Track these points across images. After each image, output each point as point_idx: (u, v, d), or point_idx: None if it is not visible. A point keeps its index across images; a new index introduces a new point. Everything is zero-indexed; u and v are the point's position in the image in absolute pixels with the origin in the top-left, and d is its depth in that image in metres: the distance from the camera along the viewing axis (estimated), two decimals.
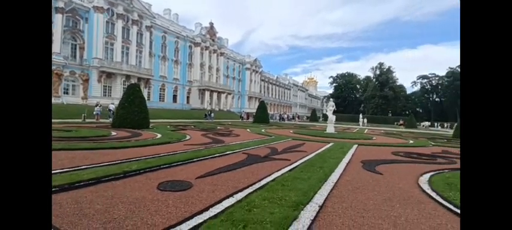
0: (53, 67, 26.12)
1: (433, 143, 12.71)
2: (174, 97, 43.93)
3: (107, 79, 32.14)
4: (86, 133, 9.50)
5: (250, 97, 61.55)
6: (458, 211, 3.05)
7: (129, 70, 33.25)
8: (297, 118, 50.36)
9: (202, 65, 47.70)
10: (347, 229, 2.48)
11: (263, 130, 15.86)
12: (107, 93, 32.25)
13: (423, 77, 78.67)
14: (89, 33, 30.69)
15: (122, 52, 33.94)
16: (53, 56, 25.48)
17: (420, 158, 7.27)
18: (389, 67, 74.45)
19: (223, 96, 50.85)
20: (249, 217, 2.53)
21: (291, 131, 16.62)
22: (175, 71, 43.71)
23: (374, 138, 14.85)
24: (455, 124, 24.49)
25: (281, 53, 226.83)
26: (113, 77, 32.42)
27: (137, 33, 35.66)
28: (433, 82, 77.77)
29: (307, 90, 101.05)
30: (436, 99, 79.25)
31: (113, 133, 10.27)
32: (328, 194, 3.51)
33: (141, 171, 4.20)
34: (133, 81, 30.45)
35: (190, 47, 46.16)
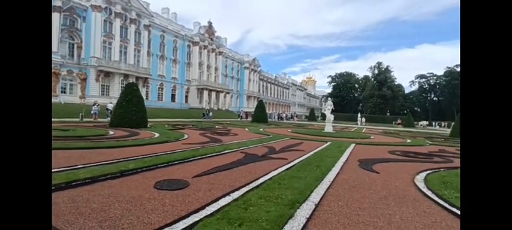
0: None
1: (430, 142, 12.78)
2: (173, 97, 43.84)
3: (104, 78, 32.02)
4: (83, 132, 9.47)
5: (249, 97, 61.54)
6: (453, 209, 3.08)
7: (127, 69, 33.14)
8: (295, 118, 50.38)
9: (200, 64, 47.61)
10: (342, 227, 2.50)
11: (261, 130, 15.88)
12: (104, 92, 32.13)
13: (421, 76, 78.93)
14: (87, 32, 30.54)
15: (120, 51, 33.80)
16: None
17: (417, 157, 7.31)
18: (387, 66, 74.64)
19: (221, 95, 50.80)
20: (245, 216, 2.55)
21: (289, 130, 16.65)
22: (173, 70, 43.60)
23: (372, 137, 14.90)
24: (453, 123, 24.61)
25: (280, 52, 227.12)
26: (110, 76, 32.30)
27: (135, 32, 35.54)
28: (431, 81, 78.04)
29: (305, 89, 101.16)
30: (434, 99, 79.55)
31: (111, 132, 10.25)
32: (325, 192, 3.53)
33: (138, 170, 4.21)
34: (131, 80, 30.38)
35: (188, 46, 46.06)
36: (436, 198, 3.51)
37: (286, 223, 2.48)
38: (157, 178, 3.85)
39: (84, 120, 17.57)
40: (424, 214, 2.96)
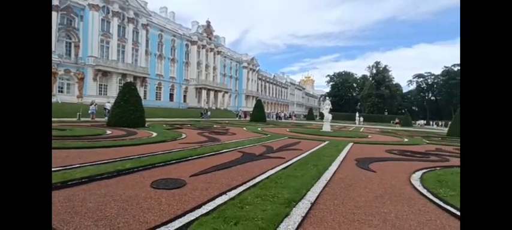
0: None
1: (427, 141, 12.84)
2: (171, 96, 43.76)
3: (102, 77, 31.91)
4: (80, 132, 9.44)
5: (247, 96, 61.55)
6: (448, 207, 3.11)
7: (125, 68, 33.04)
8: (293, 117, 50.44)
9: (199, 64, 47.54)
10: (337, 225, 2.52)
11: (259, 129, 15.89)
12: (102, 92, 32.03)
13: (419, 76, 79.27)
14: (84, 31, 30.40)
15: (118, 50, 33.70)
16: None
17: (413, 156, 7.35)
18: (385, 66, 74.85)
19: (220, 94, 50.78)
20: (241, 214, 2.56)
21: (288, 130, 16.67)
22: (171, 70, 43.51)
23: (369, 136, 14.95)
24: (450, 122, 24.76)
25: (279, 51, 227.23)
26: (108, 76, 32.20)
27: (133, 31, 35.42)
28: (429, 81, 78.42)
29: (304, 88, 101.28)
30: (432, 98, 79.94)
31: (108, 132, 10.22)
32: (321, 191, 3.55)
33: (135, 170, 4.20)
34: (129, 79, 30.31)
35: (187, 45, 45.96)
36: (431, 196, 3.54)
37: (281, 222, 2.49)
38: (154, 177, 3.85)
39: (82, 119, 17.51)
40: (419, 212, 2.98)
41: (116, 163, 4.56)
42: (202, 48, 48.19)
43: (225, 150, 6.75)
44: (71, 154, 5.25)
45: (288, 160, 5.68)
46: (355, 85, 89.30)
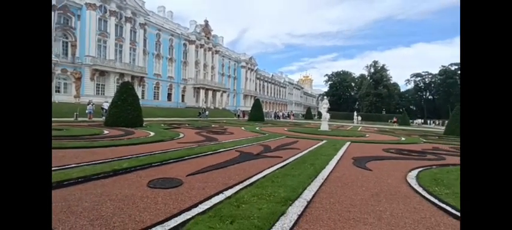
0: None
1: (424, 140, 12.91)
2: (169, 96, 43.66)
3: (100, 77, 31.76)
4: (77, 132, 9.40)
5: (245, 96, 61.54)
6: (443, 205, 3.14)
7: (122, 68, 32.91)
8: (292, 116, 50.48)
9: (197, 63, 47.45)
10: (333, 223, 2.54)
11: (257, 128, 15.89)
12: (100, 92, 31.88)
13: (417, 75, 79.69)
14: (81, 31, 30.23)
15: (115, 50, 33.55)
16: None
17: (410, 154, 7.39)
18: (383, 65, 75.18)
19: (218, 94, 50.72)
20: (237, 213, 2.57)
21: (286, 129, 16.70)
22: (169, 69, 43.40)
23: (367, 135, 15.01)
24: (447, 121, 24.91)
25: (277, 51, 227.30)
26: (106, 75, 32.06)
27: (131, 30, 35.27)
28: (426, 80, 78.86)
29: (302, 88, 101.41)
30: (429, 97, 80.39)
31: (105, 131, 10.18)
32: (317, 190, 3.56)
33: (132, 169, 4.19)
34: (127, 79, 30.21)
35: (185, 44, 45.85)
36: (426, 194, 3.56)
37: (277, 220, 2.50)
38: (151, 176, 3.85)
39: (79, 119, 17.42)
40: (414, 210, 3.01)
41: (112, 163, 4.55)
42: (201, 48, 48.10)
43: (222, 149, 6.75)
44: (68, 154, 5.23)
45: (285, 159, 5.70)
46: (353, 84, 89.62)
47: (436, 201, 3.28)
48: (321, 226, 2.47)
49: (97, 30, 31.24)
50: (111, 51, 32.81)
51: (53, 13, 27.42)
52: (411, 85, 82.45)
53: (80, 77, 30.26)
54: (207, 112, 31.94)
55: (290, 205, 2.90)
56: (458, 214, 2.88)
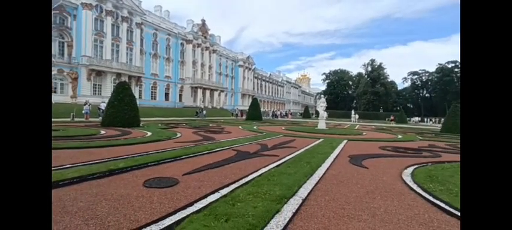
0: None
1: (420, 137, 13.00)
2: (166, 95, 43.50)
3: (96, 77, 31.56)
4: (73, 132, 9.36)
5: (243, 95, 61.46)
6: (437, 201, 3.17)
7: (119, 68, 32.73)
8: (289, 115, 50.52)
9: (194, 63, 47.31)
10: (327, 221, 2.56)
11: (255, 127, 15.91)
12: (96, 92, 31.69)
13: (413, 73, 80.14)
14: (77, 31, 30.00)
15: (112, 50, 33.35)
16: None
17: (406, 152, 7.45)
18: (380, 63, 75.49)
19: (216, 93, 50.62)
20: (232, 211, 2.58)
21: (283, 128, 16.73)
22: (167, 69, 43.23)
23: (364, 133, 15.08)
24: (443, 119, 25.11)
25: (274, 50, 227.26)
26: (102, 75, 31.86)
27: (127, 30, 35.06)
28: (423, 78, 79.33)
29: (300, 86, 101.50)
30: (426, 95, 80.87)
31: (102, 132, 10.14)
32: (313, 188, 3.58)
33: (128, 169, 4.19)
34: (124, 79, 30.04)
35: (182, 44, 45.69)
36: (421, 191, 3.60)
37: (272, 218, 2.51)
38: (147, 176, 3.85)
39: (76, 120, 17.32)
40: (408, 206, 3.04)
41: (108, 163, 4.54)
42: (198, 47, 47.96)
43: (219, 149, 6.76)
44: (63, 155, 5.21)
45: (282, 158, 5.72)
46: (350, 83, 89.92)
47: (430, 198, 3.32)
48: (315, 223, 2.49)
49: (93, 30, 31.02)
50: (107, 51, 32.61)
51: None
52: (408, 84, 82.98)
53: (76, 77, 30.05)
54: (204, 112, 31.88)
55: (285, 203, 2.92)
56: (452, 209, 2.91)
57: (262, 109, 36.05)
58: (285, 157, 5.87)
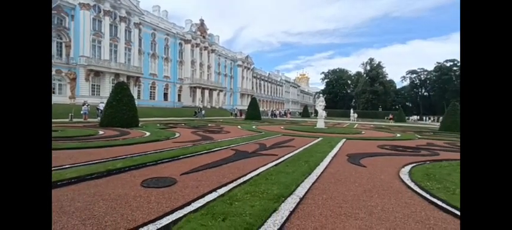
0: None
1: (419, 136, 13.04)
2: (165, 95, 43.45)
3: (95, 77, 31.48)
4: (71, 132, 9.33)
5: (242, 94, 61.46)
6: (433, 199, 3.18)
7: (117, 68, 32.65)
8: (289, 115, 50.54)
9: (193, 62, 47.25)
10: (324, 219, 2.56)
11: (254, 127, 15.91)
12: (95, 92, 31.62)
13: (412, 72, 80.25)
14: (75, 31, 29.92)
15: (110, 50, 33.26)
16: None
17: (404, 151, 7.47)
18: (379, 62, 75.53)
19: (215, 93, 50.59)
20: (230, 210, 2.58)
21: (282, 127, 16.74)
22: (165, 69, 43.16)
23: (363, 132, 15.11)
24: (441, 117, 25.20)
25: (273, 49, 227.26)
26: (101, 75, 31.79)
27: (125, 30, 34.98)
28: (422, 77, 79.46)
29: (299, 86, 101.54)
30: (425, 93, 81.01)
31: (101, 132, 10.12)
32: (311, 186, 3.59)
33: (126, 169, 4.19)
34: (122, 79, 29.97)
35: (180, 44, 45.61)
36: (418, 189, 3.61)
37: (269, 217, 2.52)
38: (145, 176, 3.85)
39: (74, 120, 17.27)
40: (405, 205, 3.05)
41: (106, 163, 4.54)
42: (196, 47, 47.90)
43: (218, 148, 6.76)
44: (61, 155, 5.20)
45: (280, 157, 5.72)
46: (349, 82, 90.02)
47: (427, 196, 3.33)
48: (312, 221, 2.50)
49: (91, 30, 30.94)
50: (105, 51, 32.53)
51: None
52: (407, 82, 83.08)
53: (74, 78, 29.98)
54: (203, 112, 31.86)
55: (282, 201, 2.92)
56: (448, 207, 2.93)
57: (261, 109, 36.08)
58: (283, 156, 5.88)
